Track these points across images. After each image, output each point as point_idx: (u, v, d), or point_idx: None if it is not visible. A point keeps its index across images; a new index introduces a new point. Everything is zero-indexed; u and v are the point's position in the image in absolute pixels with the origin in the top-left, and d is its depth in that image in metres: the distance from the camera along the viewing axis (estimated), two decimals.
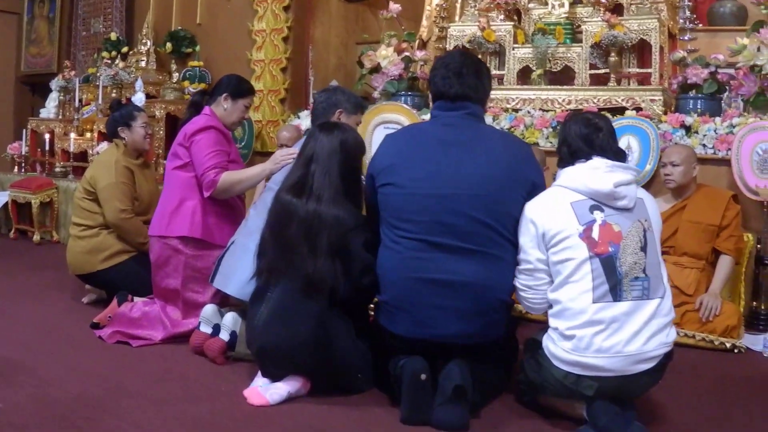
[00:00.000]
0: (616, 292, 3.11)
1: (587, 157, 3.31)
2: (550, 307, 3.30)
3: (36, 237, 8.29)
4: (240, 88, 4.79)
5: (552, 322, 3.28)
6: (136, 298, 4.67)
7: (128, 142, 5.35)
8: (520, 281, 3.41)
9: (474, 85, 3.62)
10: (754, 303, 5.28)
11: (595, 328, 3.10)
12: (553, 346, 3.23)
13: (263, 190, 4.50)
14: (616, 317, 3.09)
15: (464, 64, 3.67)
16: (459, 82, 3.60)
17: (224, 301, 4.34)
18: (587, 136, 3.35)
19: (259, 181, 4.58)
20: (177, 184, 4.60)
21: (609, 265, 3.13)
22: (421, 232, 3.40)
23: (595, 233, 3.17)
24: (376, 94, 7.00)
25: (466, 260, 3.35)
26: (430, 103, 3.85)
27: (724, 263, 4.90)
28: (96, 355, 4.13)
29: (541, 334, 3.35)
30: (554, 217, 3.26)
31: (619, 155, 3.37)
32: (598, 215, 3.20)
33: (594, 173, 3.25)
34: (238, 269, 4.11)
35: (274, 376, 3.57)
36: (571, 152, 3.38)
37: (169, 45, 9.04)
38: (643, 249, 3.18)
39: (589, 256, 3.15)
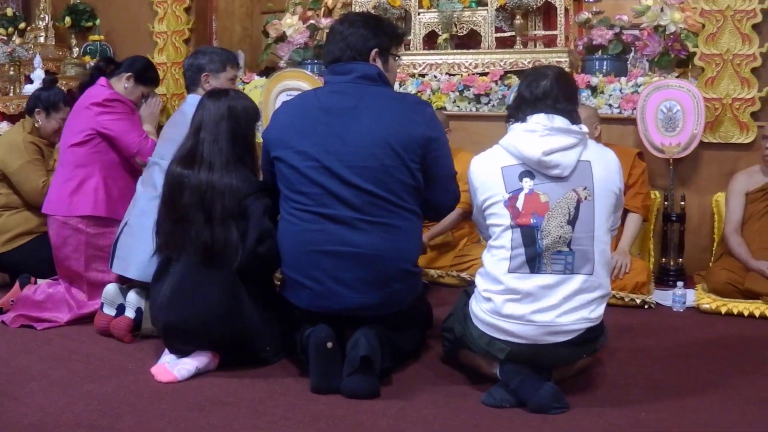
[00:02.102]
0: (534, 264, 3.07)
1: (530, 114, 3.22)
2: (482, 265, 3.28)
3: None
4: (146, 75, 4.70)
5: (477, 279, 3.27)
6: (39, 281, 4.52)
7: (40, 127, 5.18)
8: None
9: (355, 46, 3.51)
10: (663, 259, 5.39)
11: (509, 296, 3.08)
12: (475, 304, 3.23)
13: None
14: (531, 290, 3.06)
15: (343, 23, 3.62)
16: (339, 45, 3.52)
17: (126, 280, 4.19)
18: (537, 85, 3.25)
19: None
20: (75, 162, 4.45)
21: (529, 236, 3.07)
22: (313, 204, 3.35)
23: (520, 203, 3.11)
24: (282, 63, 6.89)
25: (362, 231, 3.29)
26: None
27: (632, 221, 4.95)
28: None
29: (473, 290, 3.33)
30: (485, 181, 3.21)
31: (568, 108, 3.24)
32: (526, 183, 3.12)
33: (528, 138, 3.15)
34: (134, 251, 4.01)
35: (181, 352, 3.51)
36: (520, 104, 3.29)
37: (68, 19, 8.75)
38: (571, 222, 3.08)
39: (510, 225, 3.10)
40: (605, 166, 3.21)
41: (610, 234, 3.28)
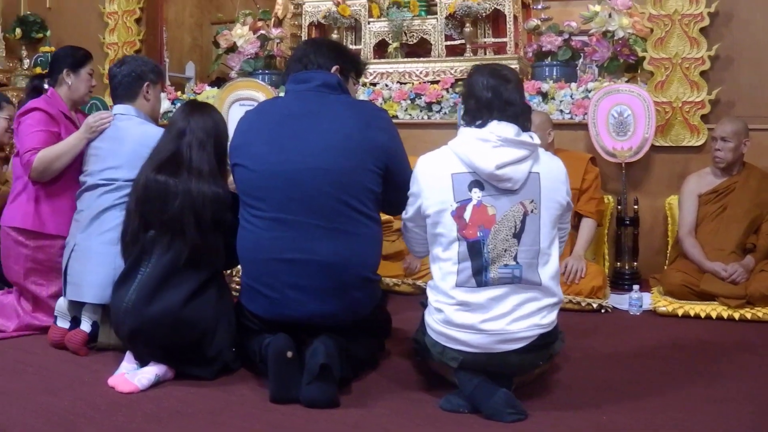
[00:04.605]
0: (480, 278, 3.03)
1: (485, 121, 3.15)
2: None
3: None
4: (77, 58, 4.50)
5: (428, 291, 3.25)
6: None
7: None
8: (402, 222, 3.44)
9: (321, 62, 3.56)
10: (618, 263, 5.42)
11: (460, 307, 3.06)
12: (428, 315, 3.22)
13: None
14: (481, 303, 3.03)
15: (306, 47, 3.69)
16: (305, 60, 3.56)
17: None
18: (495, 88, 3.18)
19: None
20: (16, 174, 4.40)
21: (475, 249, 3.04)
22: (271, 210, 3.32)
23: (468, 214, 3.06)
24: (233, 74, 6.87)
25: (320, 238, 3.27)
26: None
27: (587, 226, 4.97)
28: None
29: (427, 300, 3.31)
30: (432, 186, 3.15)
31: (522, 115, 3.21)
32: (475, 194, 3.07)
33: (480, 148, 3.09)
34: (87, 275, 3.91)
35: (146, 356, 3.47)
36: (478, 107, 3.20)
37: (18, 31, 8.67)
38: (517, 236, 3.05)
39: (457, 237, 3.06)
40: (553, 179, 3.19)
41: (561, 242, 3.29)
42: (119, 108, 4.16)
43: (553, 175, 3.19)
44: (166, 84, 6.11)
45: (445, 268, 3.11)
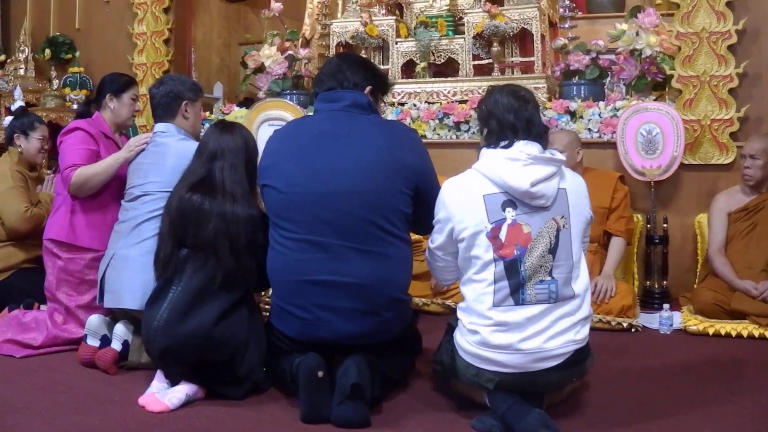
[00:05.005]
0: (517, 296, 3.03)
1: (510, 141, 3.18)
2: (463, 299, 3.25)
3: None
4: (119, 84, 4.64)
5: (459, 313, 3.23)
6: (42, 306, 4.53)
7: (23, 151, 5.18)
8: (429, 251, 3.41)
9: (352, 79, 3.56)
10: (648, 282, 5.39)
11: (496, 328, 3.05)
12: (460, 336, 3.19)
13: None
14: (518, 321, 3.02)
15: (340, 62, 3.67)
16: (336, 77, 3.56)
17: (107, 311, 4.16)
18: (517, 110, 3.21)
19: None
20: (56, 190, 4.56)
21: (512, 268, 3.04)
22: (302, 231, 3.32)
23: (503, 234, 3.06)
24: (261, 94, 6.89)
25: (351, 259, 3.27)
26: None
27: (616, 245, 4.96)
28: None
29: (457, 321, 3.28)
30: (464, 209, 3.14)
31: (544, 134, 3.26)
32: (509, 214, 3.08)
33: (511, 166, 3.10)
34: (126, 282, 3.95)
35: (177, 376, 3.48)
36: (501, 128, 3.22)
37: (47, 51, 8.76)
38: (552, 251, 3.07)
39: (494, 258, 3.06)
40: (578, 194, 3.22)
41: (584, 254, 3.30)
42: (160, 126, 4.25)
43: (578, 190, 3.23)
44: (218, 103, 6.17)
45: (480, 289, 3.10)
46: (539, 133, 3.22)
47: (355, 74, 3.58)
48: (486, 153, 3.23)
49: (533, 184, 3.05)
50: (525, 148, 3.14)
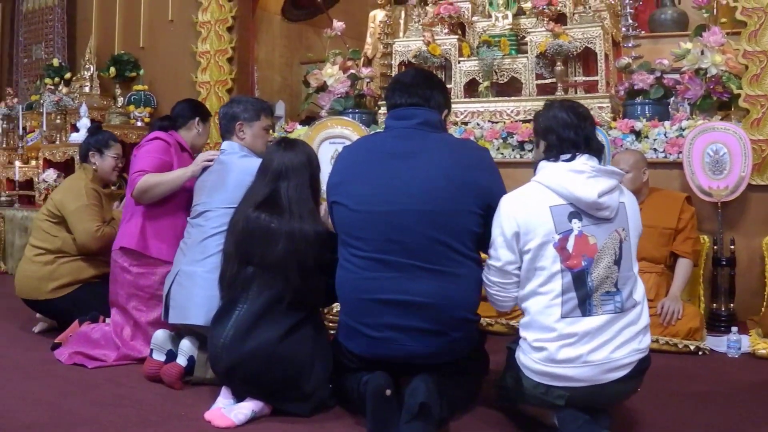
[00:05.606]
0: (585, 307, 3.03)
1: (572, 155, 3.20)
2: (523, 314, 3.23)
3: None
4: (208, 112, 4.96)
5: (522, 332, 3.20)
6: (107, 320, 4.61)
7: (98, 168, 5.27)
8: (487, 276, 3.31)
9: (424, 95, 3.55)
10: (714, 304, 5.31)
11: (564, 341, 3.03)
12: (524, 356, 3.17)
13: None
14: (587, 331, 3.01)
15: (415, 76, 3.66)
16: (409, 92, 3.55)
17: (173, 327, 4.20)
18: (577, 126, 3.23)
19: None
20: (127, 200, 4.65)
21: (580, 279, 3.04)
22: (371, 250, 3.32)
23: (570, 244, 3.07)
24: (323, 113, 6.94)
25: (421, 279, 3.25)
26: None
27: (683, 266, 4.91)
28: (46, 383, 4.01)
29: (516, 343, 3.28)
30: (531, 220, 3.14)
31: (601, 150, 3.30)
32: (575, 225, 3.08)
33: (577, 178, 3.12)
34: (194, 297, 4.00)
35: (243, 393, 3.50)
36: (561, 142, 3.23)
37: (112, 69, 8.94)
38: (617, 262, 3.08)
39: (561, 269, 3.05)
40: (634, 209, 3.26)
41: None
42: (224, 144, 4.35)
43: (634, 205, 3.28)
44: (281, 121, 6.26)
45: (545, 301, 3.09)
46: (599, 149, 3.27)
47: (439, 96, 3.61)
48: (546, 166, 3.24)
49: (601, 194, 3.07)
50: (590, 161, 3.17)
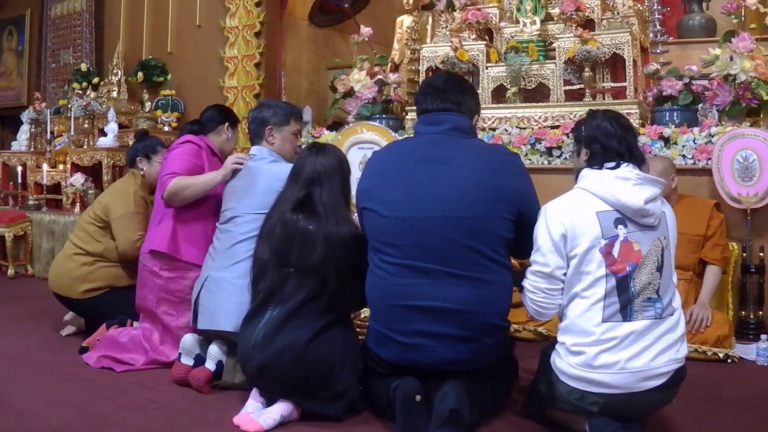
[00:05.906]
0: (626, 312, 3.04)
1: (617, 163, 3.22)
2: (561, 319, 3.23)
3: (10, 271, 8.12)
4: (237, 118, 5.00)
5: (560, 336, 3.21)
6: (135, 323, 4.64)
7: (146, 174, 5.30)
8: (532, 283, 3.26)
9: (456, 100, 3.55)
10: (743, 312, 5.26)
11: (603, 346, 3.04)
12: (560, 360, 3.18)
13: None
14: (626, 336, 3.02)
15: (446, 81, 3.65)
16: (440, 97, 3.55)
17: (202, 332, 4.22)
18: (622, 136, 3.26)
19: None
20: (158, 206, 4.65)
21: (623, 284, 3.06)
22: (402, 256, 3.32)
23: (616, 250, 3.08)
24: (350, 118, 6.95)
25: (452, 286, 3.25)
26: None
27: (712, 273, 4.89)
28: (75, 386, 4.05)
29: (551, 347, 3.28)
30: (578, 225, 3.14)
31: (644, 160, 3.33)
32: (621, 231, 3.10)
33: (623, 185, 3.14)
34: (220, 303, 4.02)
35: (274, 394, 3.51)
36: (605, 151, 3.25)
37: (140, 74, 9.00)
38: (659, 269, 3.11)
39: (606, 274, 3.07)
40: (671, 218, 3.27)
41: None
42: (253, 149, 4.36)
43: (672, 215, 3.29)
44: (307, 126, 6.31)
45: (586, 305, 3.10)
46: (641, 159, 3.29)
47: (471, 102, 3.63)
48: (590, 173, 3.26)
49: (647, 201, 3.10)
50: (635, 169, 3.20)
